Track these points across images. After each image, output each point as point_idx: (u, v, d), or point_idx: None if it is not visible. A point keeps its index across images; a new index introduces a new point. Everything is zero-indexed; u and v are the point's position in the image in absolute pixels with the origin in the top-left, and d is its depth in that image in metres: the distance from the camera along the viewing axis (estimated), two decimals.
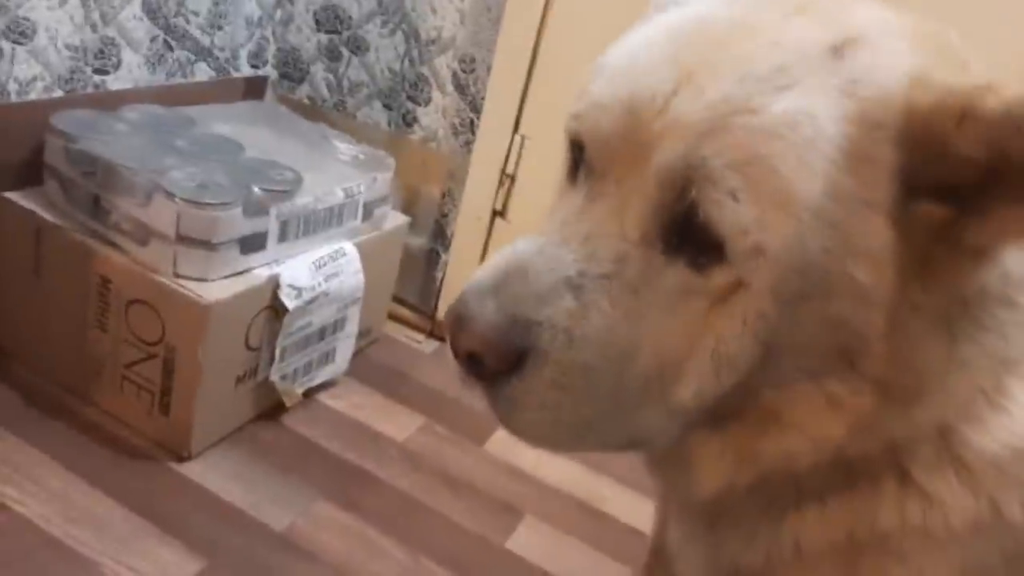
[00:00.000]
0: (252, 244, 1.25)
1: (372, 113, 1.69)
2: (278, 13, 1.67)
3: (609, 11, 1.39)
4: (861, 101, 0.49)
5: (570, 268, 0.52)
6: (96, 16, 1.30)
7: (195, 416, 1.25)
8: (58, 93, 1.29)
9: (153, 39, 1.42)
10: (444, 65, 1.61)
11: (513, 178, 1.59)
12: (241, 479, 1.29)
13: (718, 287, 0.51)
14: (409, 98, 1.65)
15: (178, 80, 1.49)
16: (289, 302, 1.29)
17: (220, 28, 1.53)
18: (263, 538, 1.20)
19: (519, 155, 1.57)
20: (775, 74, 0.49)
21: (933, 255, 0.51)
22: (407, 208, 1.67)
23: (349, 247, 1.42)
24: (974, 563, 0.66)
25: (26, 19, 1.20)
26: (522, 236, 0.56)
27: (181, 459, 1.28)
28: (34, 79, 1.25)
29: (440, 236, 1.71)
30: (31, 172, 1.27)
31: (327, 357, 1.47)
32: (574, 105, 0.58)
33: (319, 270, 1.36)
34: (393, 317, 1.75)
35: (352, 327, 1.48)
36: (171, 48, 1.46)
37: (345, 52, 1.67)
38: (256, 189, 1.24)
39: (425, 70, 1.62)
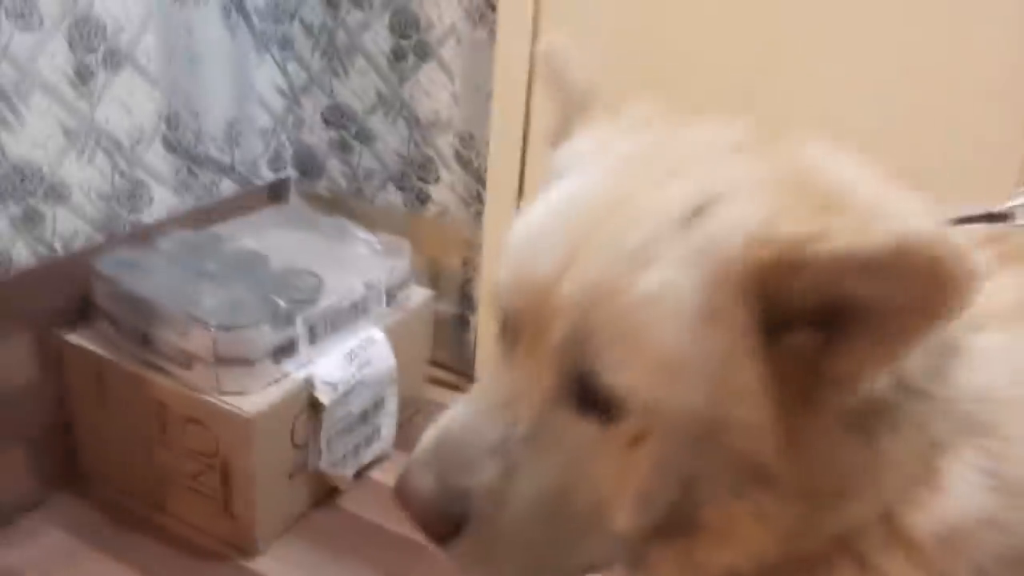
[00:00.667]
0: (285, 352, 1.36)
1: (388, 196, 1.79)
2: (290, 118, 1.79)
3: (599, 41, 1.46)
4: (712, 264, 0.54)
5: (494, 434, 0.59)
6: (123, 164, 1.44)
7: (256, 515, 1.38)
8: (98, 238, 1.43)
9: (178, 171, 1.56)
10: (446, 144, 1.70)
11: None
12: (305, 567, 1.40)
13: (628, 436, 0.58)
14: (419, 178, 1.75)
15: (206, 201, 1.63)
16: (325, 398, 1.40)
17: (238, 144, 1.66)
18: None
19: None
20: (638, 251, 0.55)
21: (812, 382, 0.57)
22: (432, 279, 1.77)
23: (378, 334, 1.53)
24: None
25: (60, 183, 1.35)
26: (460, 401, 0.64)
27: (250, 555, 1.40)
28: (75, 232, 1.39)
29: (467, 300, 1.80)
30: (86, 312, 1.41)
31: (372, 437, 1.57)
32: (497, 274, 0.66)
33: (351, 362, 1.46)
34: (434, 381, 1.84)
35: (392, 405, 1.59)
36: (195, 175, 1.59)
37: (356, 144, 1.78)
38: (281, 303, 1.35)
39: (430, 151, 1.72)
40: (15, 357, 1.36)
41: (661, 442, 0.57)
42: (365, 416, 1.53)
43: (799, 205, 0.57)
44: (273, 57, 1.72)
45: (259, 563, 1.40)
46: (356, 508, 1.53)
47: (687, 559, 0.65)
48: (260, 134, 1.73)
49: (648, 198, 0.59)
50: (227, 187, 1.68)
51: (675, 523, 0.62)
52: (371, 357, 1.50)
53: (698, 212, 0.56)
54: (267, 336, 1.32)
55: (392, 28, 1.65)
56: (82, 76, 1.34)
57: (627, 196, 0.60)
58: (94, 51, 1.34)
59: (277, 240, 1.59)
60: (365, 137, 1.77)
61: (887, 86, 1.34)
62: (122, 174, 1.45)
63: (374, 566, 1.42)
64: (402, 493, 0.60)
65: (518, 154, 1.62)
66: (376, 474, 1.61)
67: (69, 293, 1.40)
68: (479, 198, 1.70)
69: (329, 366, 1.43)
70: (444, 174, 1.72)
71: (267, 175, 1.78)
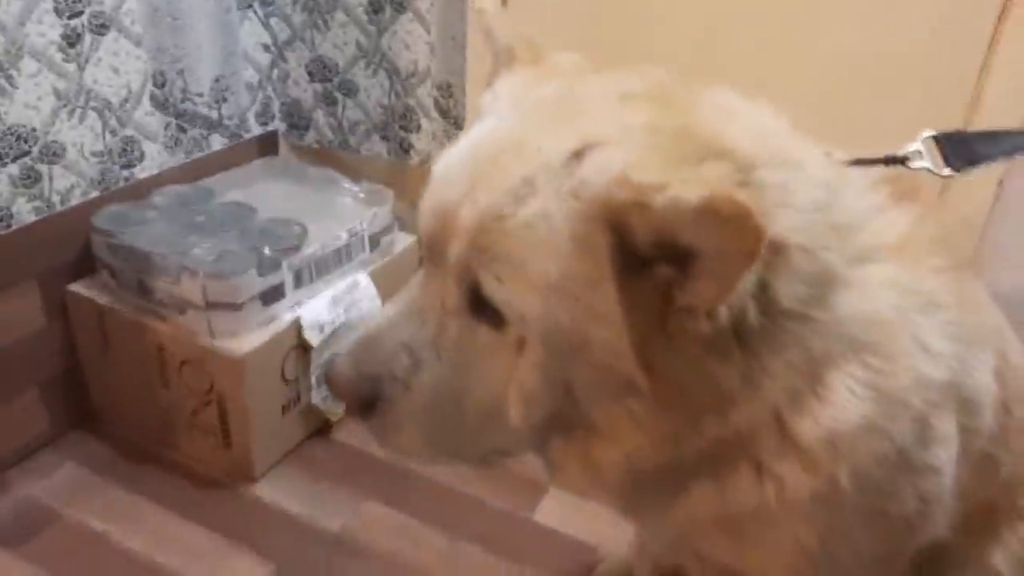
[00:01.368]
0: (272, 296, 1.46)
1: (373, 146, 1.86)
2: (275, 73, 1.86)
3: (560, 22, 1.52)
4: (583, 201, 0.62)
5: (404, 334, 0.71)
6: (113, 122, 1.52)
7: (253, 445, 1.49)
8: (95, 194, 1.52)
9: (167, 126, 1.63)
10: (425, 94, 1.76)
11: None
12: (300, 492, 1.52)
13: (513, 342, 0.67)
14: (401, 128, 1.82)
15: (197, 155, 1.71)
16: (313, 339, 1.50)
17: (225, 100, 1.73)
18: (321, 541, 1.43)
19: None
20: (523, 185, 0.63)
21: (668, 310, 0.63)
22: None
23: (363, 278, 1.61)
24: (828, 525, 0.80)
25: (55, 142, 1.43)
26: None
27: (249, 482, 1.52)
28: (72, 187, 1.48)
29: None
30: (86, 264, 1.51)
31: None
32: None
33: (337, 304, 1.56)
34: None
35: None
36: (184, 130, 1.67)
37: (339, 96, 1.84)
38: (267, 250, 1.44)
39: (411, 101, 1.78)
40: (23, 307, 1.47)
41: (535, 350, 0.66)
42: None
43: (671, 153, 0.64)
44: (256, 13, 1.78)
45: (257, 489, 1.52)
46: (348, 439, 1.64)
47: (585, 456, 0.74)
48: (247, 89, 1.80)
49: (538, 141, 0.67)
50: (217, 141, 1.75)
51: (566, 422, 0.72)
52: (357, 300, 1.60)
53: (577, 155, 0.64)
54: (254, 281, 1.41)
55: None
56: (70, 40, 1.41)
57: (522, 138, 0.68)
58: (80, 15, 1.41)
59: (265, 192, 1.68)
60: (348, 89, 1.83)
61: (836, 34, 1.38)
62: (113, 132, 1.53)
63: (364, 491, 1.54)
64: (330, 377, 0.73)
65: None
66: None
67: (70, 246, 1.50)
68: None
69: (316, 309, 1.52)
70: (425, 123, 1.79)
71: (256, 128, 1.85)
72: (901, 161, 0.85)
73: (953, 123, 1.33)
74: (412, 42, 1.72)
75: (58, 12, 1.38)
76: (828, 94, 1.38)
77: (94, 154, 1.51)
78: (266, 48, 1.83)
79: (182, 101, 1.64)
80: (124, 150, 1.56)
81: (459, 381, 0.71)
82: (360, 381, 0.71)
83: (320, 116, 1.88)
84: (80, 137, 1.47)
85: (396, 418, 0.72)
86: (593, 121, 0.67)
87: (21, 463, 1.52)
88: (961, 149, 0.84)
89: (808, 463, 0.74)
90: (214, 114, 1.72)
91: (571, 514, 1.50)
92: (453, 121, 1.75)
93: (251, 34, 1.79)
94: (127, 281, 1.47)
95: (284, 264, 1.46)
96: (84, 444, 1.58)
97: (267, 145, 1.89)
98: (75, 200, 1.50)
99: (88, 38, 1.44)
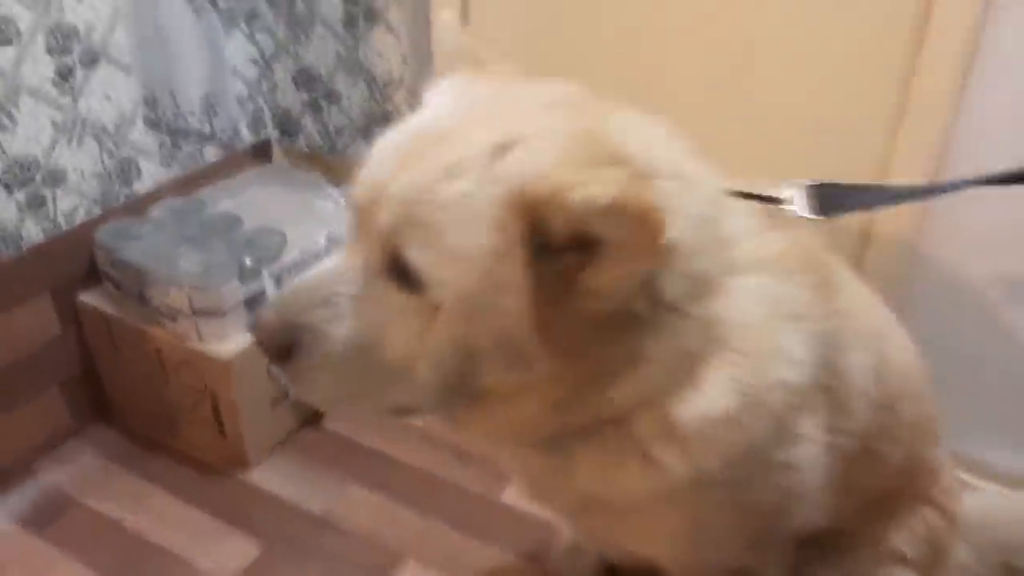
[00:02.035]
0: (255, 302, 1.59)
1: (358, 149, 1.98)
2: (264, 84, 1.98)
3: (523, 27, 1.61)
4: (503, 188, 0.71)
5: (328, 291, 0.78)
6: (110, 145, 1.67)
7: (245, 436, 1.64)
8: (97, 211, 1.67)
9: (161, 144, 1.78)
10: (402, 100, 1.86)
11: None
12: (290, 477, 1.67)
13: (428, 306, 0.75)
14: (383, 131, 1.92)
15: (193, 168, 1.85)
16: None
17: (216, 113, 1.86)
18: (308, 522, 1.58)
19: None
20: (450, 168, 0.72)
21: (567, 290, 0.73)
22: None
23: None
24: (701, 509, 0.91)
25: (57, 168, 1.59)
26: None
27: (244, 469, 1.68)
28: (75, 208, 1.64)
29: None
30: (93, 275, 1.67)
31: None
32: None
33: None
34: None
35: None
36: (179, 145, 1.81)
37: (324, 104, 1.96)
38: (248, 261, 1.58)
39: (389, 106, 1.89)
40: (40, 317, 1.64)
41: (448, 315, 0.75)
42: None
43: (582, 156, 0.74)
44: (242, 31, 1.90)
45: (254, 475, 1.68)
46: (337, 428, 1.78)
47: (484, 417, 0.84)
48: (239, 101, 1.93)
49: (469, 132, 0.76)
50: (211, 153, 1.89)
51: (469, 385, 0.80)
52: None
53: (502, 148, 0.74)
54: (236, 290, 1.55)
55: None
56: (63, 75, 1.55)
57: (455, 128, 0.77)
58: (70, 52, 1.55)
59: (253, 200, 1.81)
60: (332, 97, 1.94)
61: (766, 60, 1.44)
62: (111, 154, 1.68)
63: (353, 476, 1.68)
64: (254, 323, 0.82)
65: None
66: None
67: (77, 261, 1.66)
68: None
69: None
70: None
71: (249, 138, 1.98)
72: (777, 201, 0.92)
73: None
74: (386, 51, 1.82)
75: (50, 51, 1.52)
76: (748, 135, 1.47)
77: (94, 175, 1.66)
78: (254, 61, 1.95)
79: (174, 119, 1.78)
80: (122, 169, 1.71)
81: (373, 337, 0.77)
82: (280, 328, 0.78)
83: (308, 122, 2.00)
84: (79, 162, 1.62)
85: (310, 366, 0.78)
86: (518, 121, 0.76)
87: (46, 453, 1.71)
88: (830, 198, 0.91)
89: (684, 449, 0.83)
90: (206, 128, 1.86)
91: None
92: None
93: (239, 50, 1.91)
94: (128, 291, 1.63)
95: (265, 272, 1.60)
96: (101, 436, 1.77)
97: (262, 152, 2.02)
98: (79, 219, 1.65)
99: (80, 72, 1.58)
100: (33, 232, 1.59)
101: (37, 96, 1.52)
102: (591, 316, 0.74)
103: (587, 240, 0.70)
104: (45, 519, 1.59)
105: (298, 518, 1.60)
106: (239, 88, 1.93)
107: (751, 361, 0.83)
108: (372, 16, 1.79)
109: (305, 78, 1.95)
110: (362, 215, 0.78)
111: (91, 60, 1.59)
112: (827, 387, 0.91)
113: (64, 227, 1.63)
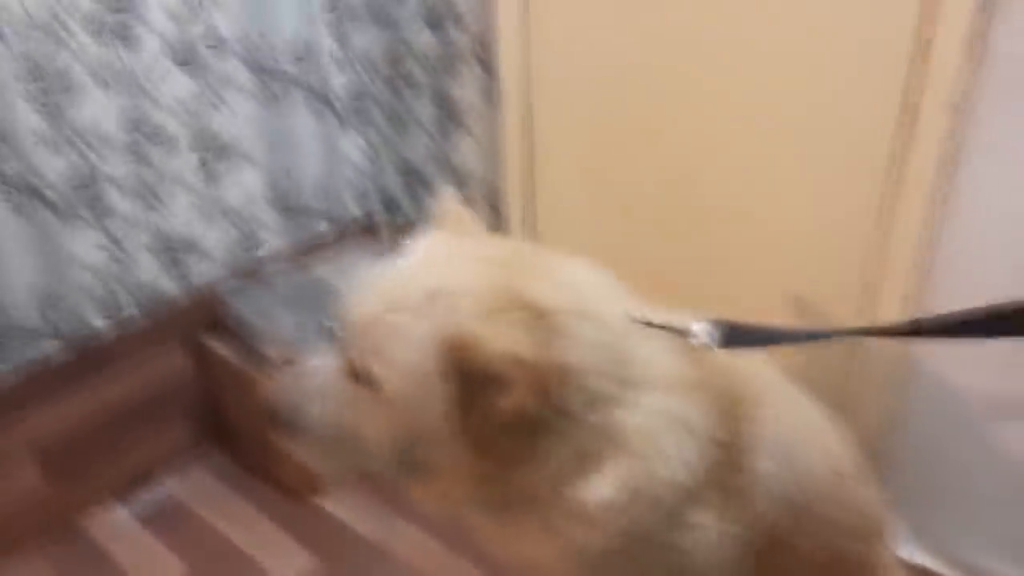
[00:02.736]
0: None
1: None
2: (372, 170, 2.33)
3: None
4: (430, 326, 0.91)
5: (313, 387, 1.02)
6: (238, 221, 2.06)
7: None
8: (223, 273, 2.06)
9: (282, 220, 2.15)
10: (477, 191, 2.15)
11: None
12: (356, 508, 1.96)
13: (380, 401, 0.96)
14: None
15: (310, 239, 2.21)
16: None
17: (329, 194, 2.22)
18: (365, 548, 1.86)
19: None
20: (395, 304, 0.94)
21: (482, 403, 0.90)
22: None
23: None
24: (602, 573, 1.08)
25: (194, 238, 1.99)
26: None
27: (320, 496, 1.99)
28: (207, 270, 2.03)
29: None
30: (220, 325, 2.06)
31: None
32: None
33: None
34: None
35: None
36: (297, 221, 2.18)
37: (419, 189, 2.28)
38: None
39: (466, 193, 2.18)
40: (176, 359, 2.04)
41: (395, 409, 0.93)
42: None
43: (492, 304, 0.91)
44: (354, 128, 2.26)
45: (327, 502, 1.99)
46: None
47: (426, 486, 1.06)
48: (347, 184, 2.29)
49: (417, 278, 0.98)
50: (325, 226, 2.25)
51: (413, 461, 0.98)
52: None
53: (434, 294, 0.95)
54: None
55: (433, 102, 2.13)
56: (204, 169, 1.95)
57: (409, 274, 1.00)
58: (210, 150, 1.95)
59: (349, 269, 2.14)
60: (424, 184, 2.26)
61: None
62: (238, 228, 2.06)
63: (412, 515, 1.94)
64: (272, 412, 1.06)
65: (529, 198, 2.04)
66: None
67: (207, 312, 2.05)
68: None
69: None
70: (481, 215, 2.18)
71: (357, 214, 2.33)
72: (683, 332, 1.03)
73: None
74: (465, 150, 2.12)
75: (193, 149, 1.92)
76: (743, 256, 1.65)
77: (223, 244, 2.05)
78: (363, 152, 2.31)
79: (295, 200, 2.15)
80: (247, 240, 2.09)
81: (347, 421, 0.98)
82: (288, 416, 1.02)
83: (407, 202, 2.33)
84: (212, 234, 2.02)
85: (308, 441, 1.02)
86: (451, 273, 0.96)
87: (171, 469, 2.10)
88: (732, 335, 1.03)
89: (580, 527, 1.01)
90: (322, 206, 2.22)
91: None
92: (498, 214, 2.13)
93: (350, 142, 2.27)
94: (242, 342, 1.99)
95: None
96: (217, 458, 2.14)
97: (368, 227, 2.36)
98: (209, 278, 2.05)
99: (219, 166, 1.98)
100: (172, 289, 1.99)
101: (181, 184, 1.93)
102: (501, 421, 0.90)
103: (492, 376, 0.87)
104: (161, 520, 1.97)
105: (356, 543, 1.88)
106: (350, 173, 2.29)
107: (641, 461, 0.98)
108: (458, 120, 2.10)
109: (404, 166, 2.28)
110: (345, 329, 1.02)
111: (228, 156, 1.99)
112: (724, 486, 1.04)
113: (196, 284, 2.03)
